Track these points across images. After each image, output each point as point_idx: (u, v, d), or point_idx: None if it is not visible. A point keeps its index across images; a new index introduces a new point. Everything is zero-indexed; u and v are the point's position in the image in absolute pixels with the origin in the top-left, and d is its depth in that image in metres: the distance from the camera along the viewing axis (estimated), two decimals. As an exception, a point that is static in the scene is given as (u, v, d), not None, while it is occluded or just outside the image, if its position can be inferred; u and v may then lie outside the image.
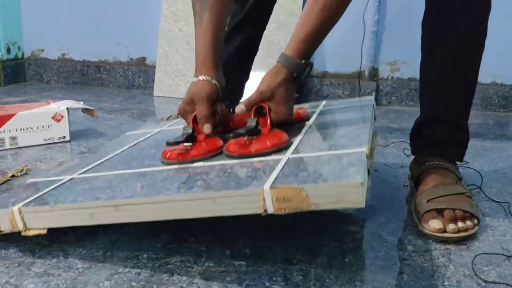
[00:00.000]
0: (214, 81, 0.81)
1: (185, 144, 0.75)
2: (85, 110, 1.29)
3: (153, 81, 1.94)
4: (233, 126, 0.84)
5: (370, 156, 0.67)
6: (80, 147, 1.19)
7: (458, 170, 0.89)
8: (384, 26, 1.76)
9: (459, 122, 0.88)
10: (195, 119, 0.78)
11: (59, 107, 1.21)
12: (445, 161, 0.86)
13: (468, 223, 0.75)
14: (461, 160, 0.90)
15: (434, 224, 0.74)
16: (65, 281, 0.60)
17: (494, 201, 0.89)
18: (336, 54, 1.82)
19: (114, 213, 0.64)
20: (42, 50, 2.14)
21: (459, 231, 0.74)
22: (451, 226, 0.74)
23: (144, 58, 2.03)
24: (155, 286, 0.59)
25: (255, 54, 1.31)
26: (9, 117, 1.14)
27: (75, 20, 2.06)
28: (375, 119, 0.95)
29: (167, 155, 0.75)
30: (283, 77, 0.77)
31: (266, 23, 1.28)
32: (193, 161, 0.73)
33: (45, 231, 0.67)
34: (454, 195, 0.79)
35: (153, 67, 1.97)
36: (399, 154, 1.16)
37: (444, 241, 0.73)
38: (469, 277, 0.63)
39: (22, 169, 0.98)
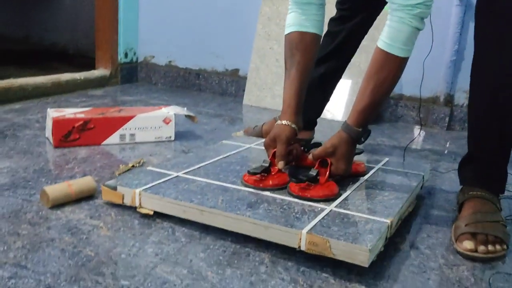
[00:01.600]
0: (294, 126, 1.04)
1: (262, 174, 0.98)
2: (187, 116, 1.55)
3: (244, 90, 2.18)
4: (304, 164, 1.08)
5: (394, 226, 0.88)
6: (182, 146, 1.45)
7: (500, 201, 1.01)
8: (463, 56, 1.85)
9: (495, 160, 1.00)
10: (273, 155, 1.02)
11: (168, 112, 1.48)
12: (486, 192, 0.98)
13: (498, 247, 0.88)
14: (502, 192, 1.02)
15: (466, 245, 0.88)
16: (173, 249, 0.83)
17: (532, 232, 1.00)
18: (414, 78, 1.94)
19: (200, 215, 0.89)
20: (153, 57, 2.48)
21: (488, 252, 0.87)
22: (481, 248, 0.87)
23: (237, 70, 2.29)
24: (235, 261, 0.80)
25: (338, 81, 1.48)
26: (130, 118, 1.42)
27: (182, 33, 2.37)
28: (422, 187, 1.14)
29: (246, 179, 1.00)
30: (344, 140, 0.96)
31: (352, 55, 1.44)
32: (263, 190, 0.97)
33: (152, 212, 0.93)
34: (490, 222, 0.92)
35: (245, 78, 2.21)
36: (456, 180, 1.28)
37: (473, 259, 0.87)
38: (485, 290, 0.78)
39: (139, 161, 1.25)
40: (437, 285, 0.78)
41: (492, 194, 0.99)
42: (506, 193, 1.13)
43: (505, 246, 0.89)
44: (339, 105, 1.93)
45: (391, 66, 0.92)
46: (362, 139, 0.98)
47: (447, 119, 1.88)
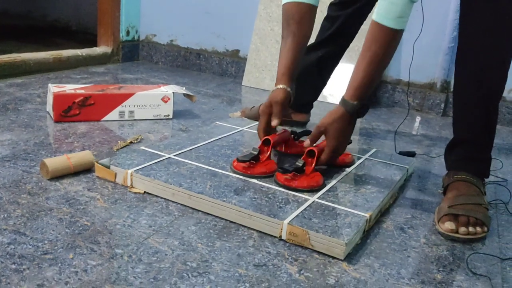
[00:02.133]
0: (289, 89, 1.07)
1: (250, 161, 1.02)
2: (186, 95, 1.57)
3: (243, 71, 2.20)
4: (291, 152, 1.14)
5: (373, 219, 0.91)
6: (180, 124, 1.48)
7: (484, 185, 1.04)
8: (462, 42, 1.86)
9: (480, 143, 1.03)
10: (264, 142, 1.05)
11: (167, 91, 1.51)
12: (471, 176, 1.02)
13: (478, 229, 0.91)
14: (486, 176, 1.05)
15: (448, 225, 0.92)
16: (166, 222, 0.87)
17: (513, 216, 1.03)
18: (412, 64, 1.95)
19: (188, 199, 0.93)
20: (155, 35, 2.49)
21: (468, 234, 0.91)
22: (462, 229, 0.91)
23: (238, 51, 2.30)
24: (225, 235, 0.84)
25: (336, 66, 1.50)
26: (130, 95, 1.45)
27: (184, 12, 2.38)
28: (405, 180, 1.17)
29: (235, 165, 1.03)
30: (338, 115, 0.99)
31: (351, 41, 1.46)
32: (251, 177, 1.00)
33: (143, 192, 0.96)
34: (472, 205, 0.95)
35: (245, 59, 2.23)
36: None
37: (454, 240, 0.90)
38: (461, 268, 0.81)
39: (137, 138, 1.29)
40: (416, 263, 0.82)
41: (477, 178, 1.02)
42: (491, 178, 1.16)
43: (485, 229, 0.92)
44: (342, 89, 1.95)
45: (385, 38, 0.94)
46: (362, 116, 1.01)
47: (442, 105, 1.90)
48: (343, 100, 0.99)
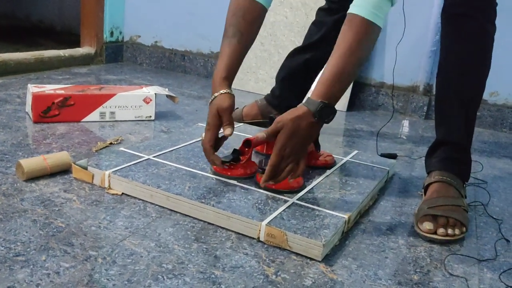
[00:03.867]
0: (232, 93, 0.99)
1: (230, 163, 1.01)
2: (168, 96, 1.56)
3: (228, 73, 2.19)
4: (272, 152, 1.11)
5: (352, 221, 0.91)
6: (162, 126, 1.47)
7: (465, 188, 1.05)
8: (444, 46, 1.88)
9: (460, 144, 1.05)
10: (244, 144, 1.03)
11: (149, 92, 1.50)
12: (451, 177, 1.02)
13: (457, 231, 0.92)
14: (466, 179, 1.06)
15: (426, 226, 0.92)
16: (143, 223, 0.86)
17: (492, 217, 1.04)
18: (395, 67, 1.96)
19: (166, 201, 0.92)
20: (139, 36, 2.48)
21: (447, 235, 0.91)
22: (440, 230, 0.91)
23: (223, 52, 2.30)
24: (203, 236, 0.83)
25: (321, 69, 1.50)
26: (111, 96, 1.44)
27: (169, 13, 2.36)
28: (386, 182, 1.17)
29: (215, 167, 1.01)
30: (299, 113, 0.87)
31: None
32: (231, 178, 1.00)
33: (121, 193, 0.95)
34: (452, 206, 0.96)
35: (230, 61, 2.22)
36: (427, 167, 1.32)
37: (432, 241, 0.91)
38: (438, 269, 0.82)
39: (118, 139, 1.27)
40: (393, 264, 0.81)
41: (458, 180, 1.03)
42: (471, 180, 1.17)
43: (464, 229, 0.93)
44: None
45: (359, 29, 0.87)
46: (326, 119, 0.88)
47: (425, 108, 1.91)
48: (307, 99, 0.89)
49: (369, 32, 0.88)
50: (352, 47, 0.87)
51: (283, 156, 0.89)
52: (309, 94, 1.02)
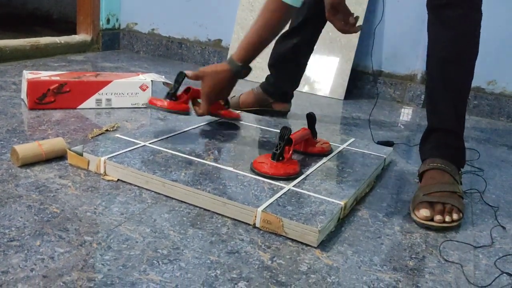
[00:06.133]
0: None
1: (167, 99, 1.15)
2: (165, 83, 1.55)
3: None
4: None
5: (348, 207, 0.91)
6: (158, 113, 1.46)
7: (460, 175, 1.05)
8: (443, 34, 1.86)
9: (452, 130, 1.05)
10: (186, 91, 1.18)
11: (145, 79, 1.49)
12: (445, 164, 1.02)
13: (455, 216, 0.91)
14: (461, 165, 1.06)
15: (423, 213, 0.92)
16: (138, 209, 0.85)
17: (488, 204, 1.04)
18: (393, 55, 1.96)
19: (162, 187, 0.91)
20: (136, 24, 2.46)
21: (443, 222, 0.91)
22: (437, 217, 0.91)
23: (220, 40, 2.28)
24: (198, 222, 0.83)
25: (310, 53, 1.50)
26: (107, 83, 1.43)
27: (166, 1, 2.34)
28: (383, 169, 1.17)
29: (149, 101, 1.15)
30: (221, 69, 1.14)
31: (321, 28, 1.46)
32: (159, 109, 1.14)
33: (116, 180, 0.95)
34: (447, 192, 0.96)
35: (227, 49, 2.21)
36: (424, 154, 1.32)
37: (428, 228, 0.91)
38: (434, 255, 0.82)
39: (114, 126, 1.27)
40: (389, 250, 0.82)
41: (452, 166, 1.02)
42: (468, 168, 1.17)
43: (461, 215, 0.92)
44: (327, 81, 1.95)
45: (275, 7, 1.10)
46: (244, 77, 1.16)
47: (422, 96, 1.91)
48: (231, 59, 1.14)
49: (287, 13, 1.11)
50: (269, 22, 1.11)
51: (207, 99, 1.16)
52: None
